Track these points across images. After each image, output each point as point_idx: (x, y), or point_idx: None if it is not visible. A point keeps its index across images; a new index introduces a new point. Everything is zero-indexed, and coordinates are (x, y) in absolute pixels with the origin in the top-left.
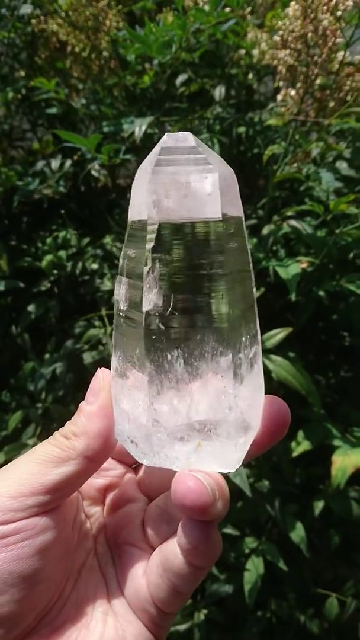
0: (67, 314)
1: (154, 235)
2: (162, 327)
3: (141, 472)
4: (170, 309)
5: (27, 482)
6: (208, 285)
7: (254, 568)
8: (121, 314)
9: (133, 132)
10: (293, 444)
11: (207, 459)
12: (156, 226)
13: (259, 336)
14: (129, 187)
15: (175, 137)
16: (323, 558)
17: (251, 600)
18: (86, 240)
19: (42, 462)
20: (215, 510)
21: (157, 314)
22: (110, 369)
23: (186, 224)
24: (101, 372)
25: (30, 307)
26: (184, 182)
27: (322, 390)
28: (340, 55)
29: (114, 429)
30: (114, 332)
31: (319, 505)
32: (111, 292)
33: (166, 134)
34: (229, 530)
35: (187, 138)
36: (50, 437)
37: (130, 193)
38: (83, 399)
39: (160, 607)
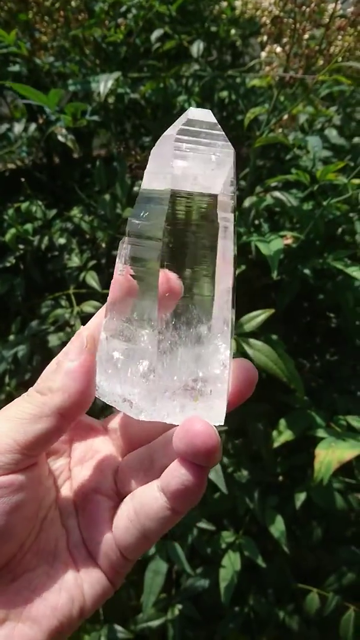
0: (35, 292)
1: (168, 204)
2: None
3: (113, 426)
4: (180, 275)
5: (2, 440)
6: (208, 258)
7: (230, 564)
8: (121, 274)
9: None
10: (275, 433)
11: (198, 413)
12: (169, 195)
13: (234, 302)
14: (105, 156)
15: (199, 111)
16: (305, 549)
17: (227, 599)
18: (53, 212)
19: (15, 419)
20: (217, 457)
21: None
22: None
23: (198, 195)
24: (85, 331)
25: None
26: (207, 157)
27: (307, 374)
28: (330, 7)
29: (94, 388)
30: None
31: (301, 497)
32: (79, 269)
33: (190, 108)
34: (204, 525)
35: (209, 114)
36: (25, 393)
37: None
38: None
39: (124, 553)
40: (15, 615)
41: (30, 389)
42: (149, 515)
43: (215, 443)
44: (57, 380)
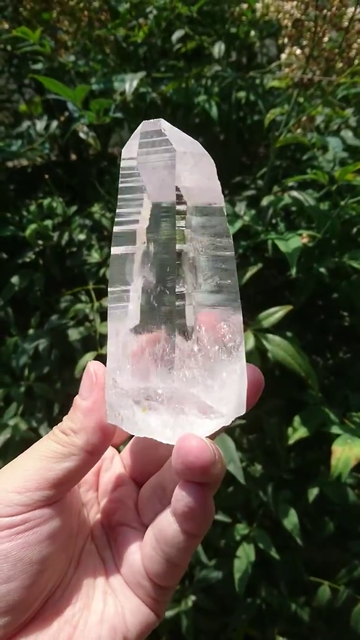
0: (53, 287)
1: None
2: (152, 302)
3: (127, 458)
4: (159, 288)
5: (32, 478)
6: (180, 270)
7: (244, 555)
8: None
9: (124, 91)
10: (290, 430)
11: (159, 427)
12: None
13: (241, 325)
14: (120, 155)
15: (150, 123)
16: (316, 543)
17: (241, 590)
18: (73, 208)
19: (45, 458)
20: (215, 471)
21: (148, 290)
22: (98, 361)
23: (162, 204)
24: (92, 366)
25: (14, 279)
26: (156, 168)
27: (320, 372)
28: (350, 11)
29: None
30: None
31: (314, 492)
32: (99, 265)
33: (143, 122)
34: (219, 517)
35: (159, 123)
36: (50, 432)
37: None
38: (69, 377)
39: (156, 580)
40: None
41: (55, 429)
42: (167, 542)
43: (209, 456)
44: (76, 420)
